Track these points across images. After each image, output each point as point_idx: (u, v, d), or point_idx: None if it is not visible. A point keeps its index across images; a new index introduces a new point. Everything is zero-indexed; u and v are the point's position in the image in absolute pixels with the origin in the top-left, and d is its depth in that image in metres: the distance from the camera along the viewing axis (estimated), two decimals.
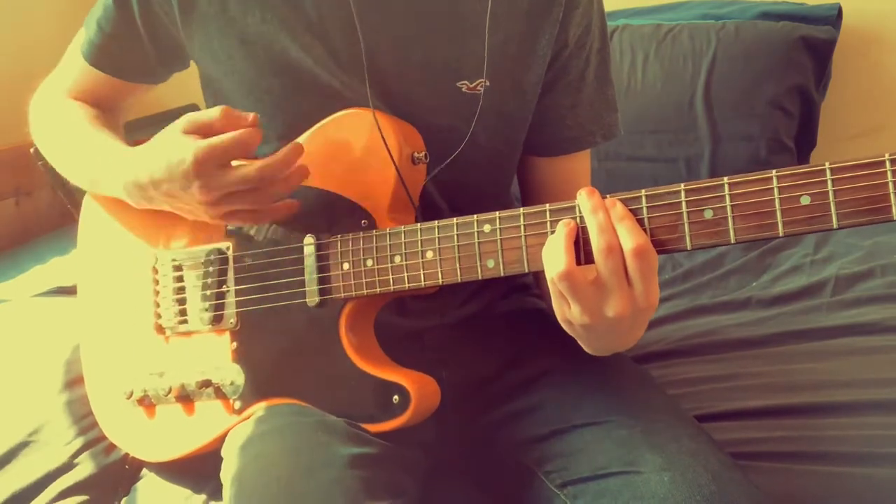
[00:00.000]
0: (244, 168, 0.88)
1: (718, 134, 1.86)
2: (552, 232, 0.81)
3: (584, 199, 0.79)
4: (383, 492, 0.84)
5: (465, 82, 0.97)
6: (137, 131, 1.21)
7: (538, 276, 1.05)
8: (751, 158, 1.84)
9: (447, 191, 1.01)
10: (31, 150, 1.40)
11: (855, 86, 2.02)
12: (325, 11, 0.96)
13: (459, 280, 0.87)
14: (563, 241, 0.78)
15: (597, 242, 0.77)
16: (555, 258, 0.78)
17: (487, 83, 0.97)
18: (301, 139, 0.97)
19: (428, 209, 0.98)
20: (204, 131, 0.89)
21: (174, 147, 0.89)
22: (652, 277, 0.77)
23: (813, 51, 1.89)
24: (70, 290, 1.45)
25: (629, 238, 0.76)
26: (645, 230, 0.78)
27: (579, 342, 0.86)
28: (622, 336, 0.84)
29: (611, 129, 1.06)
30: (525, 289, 1.13)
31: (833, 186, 0.70)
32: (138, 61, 1.07)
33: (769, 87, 1.86)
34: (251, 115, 0.89)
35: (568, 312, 0.80)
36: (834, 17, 1.95)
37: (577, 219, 0.80)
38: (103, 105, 1.14)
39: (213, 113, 0.89)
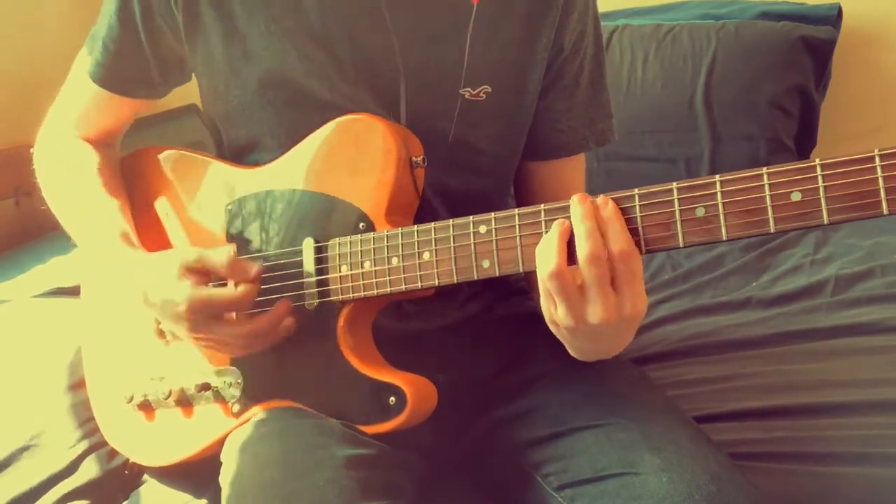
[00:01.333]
0: (234, 328, 0.92)
1: (718, 134, 1.86)
2: (547, 232, 0.81)
3: (576, 205, 0.79)
4: (379, 493, 0.84)
5: (468, 89, 0.98)
6: (138, 131, 1.21)
7: (532, 282, 1.05)
8: (751, 158, 1.84)
9: (447, 196, 1.01)
10: (32, 150, 1.40)
11: (855, 86, 2.02)
12: (328, 20, 0.96)
13: (455, 281, 0.87)
14: (556, 241, 0.79)
15: (582, 249, 0.77)
16: (546, 257, 0.78)
17: (490, 89, 0.98)
18: (302, 144, 0.97)
19: (427, 216, 0.97)
20: (206, 273, 0.92)
21: (173, 287, 0.91)
22: (636, 282, 0.78)
23: (813, 51, 1.89)
24: (70, 291, 1.45)
25: (616, 240, 0.77)
26: (638, 228, 0.78)
27: (565, 346, 0.86)
28: (606, 342, 0.85)
29: (604, 135, 1.07)
30: (523, 292, 1.13)
31: (823, 182, 0.71)
32: (142, 77, 1.07)
33: (769, 87, 1.86)
34: (255, 269, 0.92)
35: (554, 313, 0.80)
36: (834, 17, 1.95)
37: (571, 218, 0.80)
38: (107, 136, 1.14)
39: (219, 260, 0.91)
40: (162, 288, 0.92)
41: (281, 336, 0.93)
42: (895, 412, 1.09)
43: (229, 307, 0.92)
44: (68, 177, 1.09)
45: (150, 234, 1.05)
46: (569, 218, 0.80)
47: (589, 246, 0.77)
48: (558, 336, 0.85)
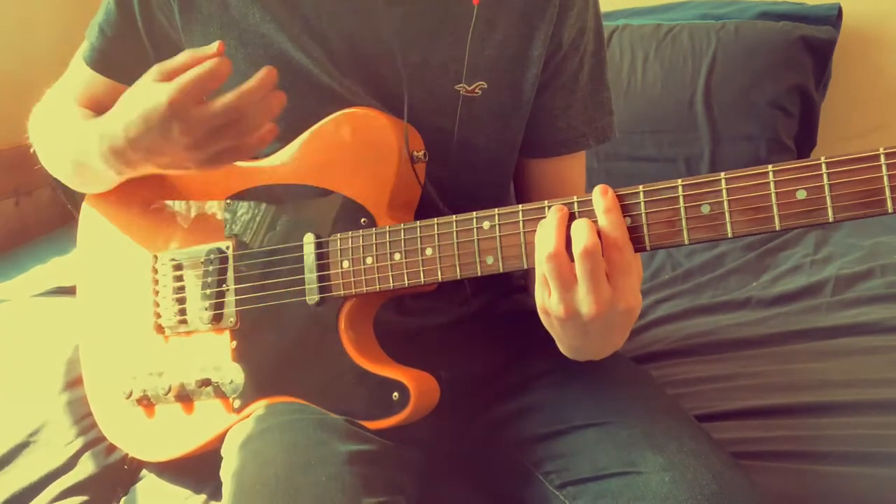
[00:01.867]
0: (221, 98, 0.84)
1: (718, 134, 1.86)
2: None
3: (598, 198, 0.78)
4: (381, 488, 0.84)
5: (464, 85, 0.97)
6: None
7: (530, 280, 1.05)
8: (751, 158, 1.84)
9: (446, 193, 1.01)
10: (32, 150, 1.40)
11: (855, 86, 2.02)
12: (323, 13, 0.96)
13: (458, 277, 0.87)
14: (555, 224, 0.78)
15: (575, 244, 0.76)
16: (545, 240, 0.78)
17: (486, 85, 0.97)
18: (301, 138, 0.97)
19: (427, 211, 0.98)
20: (173, 75, 0.86)
21: (146, 96, 0.86)
22: (629, 275, 0.77)
23: (813, 51, 1.90)
24: (70, 290, 1.45)
25: (613, 231, 0.76)
26: (642, 225, 0.78)
27: (556, 341, 0.85)
28: (597, 340, 0.84)
29: (604, 132, 1.06)
30: (525, 289, 1.13)
31: (829, 180, 0.71)
32: (139, 65, 1.06)
33: (769, 87, 1.86)
34: (216, 44, 0.85)
35: (547, 300, 0.79)
36: (834, 17, 1.95)
37: (574, 205, 0.80)
38: (102, 112, 1.13)
39: (179, 57, 0.86)
40: (138, 106, 0.87)
41: (275, 109, 0.86)
42: (895, 412, 1.09)
43: (204, 77, 0.84)
44: (55, 120, 1.09)
45: (148, 224, 1.05)
46: (570, 205, 0.80)
47: (583, 241, 0.76)
48: (549, 328, 0.84)
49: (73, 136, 1.04)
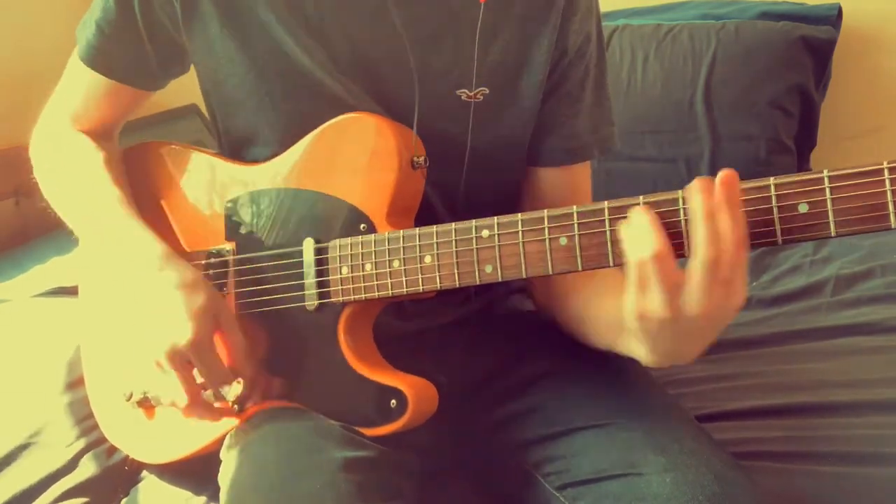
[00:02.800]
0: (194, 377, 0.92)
1: (718, 134, 1.86)
2: (551, 238, 0.80)
3: (697, 197, 0.71)
4: (377, 495, 0.84)
5: (465, 90, 0.97)
6: (138, 131, 1.21)
7: (533, 287, 1.05)
8: (751, 158, 1.84)
9: (448, 198, 1.01)
10: (30, 148, 1.40)
11: (855, 86, 2.02)
12: (326, 16, 0.96)
13: (457, 285, 0.86)
14: (650, 221, 0.72)
15: (705, 251, 0.70)
16: (644, 239, 0.71)
17: (487, 90, 0.97)
18: (302, 142, 0.97)
19: (429, 217, 0.97)
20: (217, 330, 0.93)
21: (183, 317, 0.91)
22: (745, 268, 0.72)
23: (813, 51, 1.89)
24: (70, 290, 1.45)
25: (736, 224, 0.70)
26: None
27: (643, 348, 0.79)
28: (693, 341, 0.77)
29: (606, 142, 1.05)
30: (523, 291, 1.13)
31: (831, 195, 0.70)
32: (138, 64, 1.06)
33: (769, 87, 1.86)
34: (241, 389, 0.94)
35: (647, 303, 0.72)
36: (834, 17, 1.95)
37: (574, 226, 0.79)
38: (105, 128, 1.13)
39: (234, 339, 0.94)
40: (179, 303, 0.92)
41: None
42: (895, 412, 1.09)
43: (212, 377, 0.93)
44: (68, 167, 1.08)
45: (153, 230, 1.05)
46: (631, 206, 0.75)
47: (714, 250, 0.70)
48: (641, 332, 0.76)
49: (93, 207, 1.04)
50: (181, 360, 0.91)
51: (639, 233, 0.72)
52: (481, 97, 0.97)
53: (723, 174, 0.70)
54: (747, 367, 1.25)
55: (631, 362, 1.04)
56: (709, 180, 0.71)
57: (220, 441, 0.97)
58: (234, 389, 0.97)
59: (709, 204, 0.70)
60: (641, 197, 0.76)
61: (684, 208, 0.73)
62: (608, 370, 0.99)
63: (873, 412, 1.10)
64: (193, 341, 0.89)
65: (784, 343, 1.32)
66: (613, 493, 0.84)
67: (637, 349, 0.81)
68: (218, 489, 0.91)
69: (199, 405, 0.94)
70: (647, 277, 0.71)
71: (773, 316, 1.41)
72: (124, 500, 1.05)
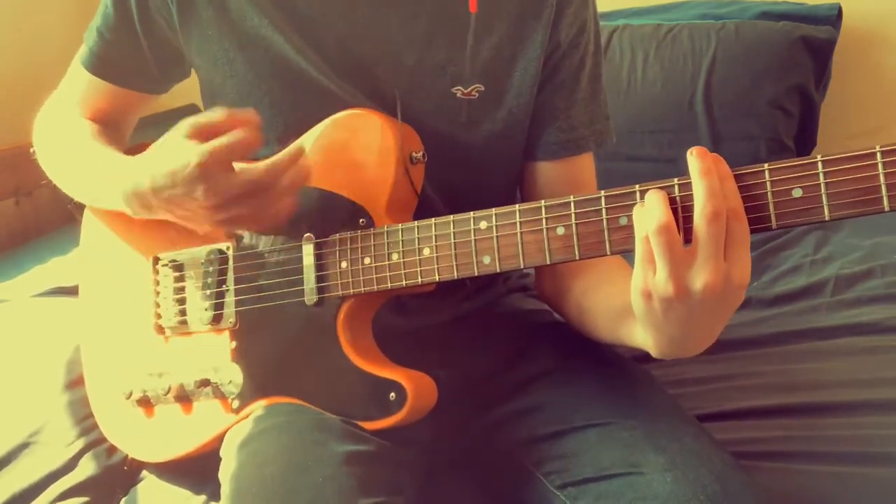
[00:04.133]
0: (250, 170, 0.86)
1: (718, 134, 1.86)
2: (548, 228, 0.80)
3: (695, 161, 0.73)
4: (379, 489, 0.84)
5: (460, 87, 0.97)
6: (138, 131, 1.21)
7: (538, 275, 1.05)
8: (751, 158, 1.83)
9: (446, 194, 1.01)
10: (32, 150, 1.40)
11: (855, 86, 2.02)
12: (319, 16, 0.96)
13: (456, 277, 0.87)
14: (661, 198, 0.73)
15: (706, 205, 0.71)
16: (651, 213, 0.72)
17: (482, 87, 0.97)
18: (301, 139, 0.97)
19: (427, 212, 0.97)
20: (206, 134, 0.87)
21: (177, 152, 0.87)
22: (746, 245, 0.72)
23: (813, 51, 1.89)
24: (70, 290, 1.44)
25: (732, 199, 0.72)
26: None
27: (650, 334, 0.79)
28: (701, 324, 0.76)
29: (602, 135, 1.05)
30: (524, 289, 1.13)
31: (825, 179, 0.71)
32: (138, 69, 1.07)
33: (769, 87, 1.86)
34: (251, 113, 0.87)
35: (651, 280, 0.73)
36: (834, 17, 1.95)
37: (571, 216, 0.79)
38: (107, 120, 1.13)
39: (213, 115, 0.88)
40: (168, 160, 0.87)
41: (297, 187, 0.88)
42: (895, 412, 1.09)
43: (236, 147, 0.85)
44: (68, 137, 1.09)
45: (152, 228, 1.05)
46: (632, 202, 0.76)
47: (714, 203, 0.71)
48: (647, 316, 0.76)
49: (89, 162, 1.04)
50: (213, 163, 0.85)
51: (647, 209, 0.73)
52: (476, 94, 0.98)
53: (713, 156, 0.73)
54: (747, 367, 1.25)
55: (631, 362, 1.05)
56: (711, 159, 0.73)
57: (219, 438, 0.97)
58: (233, 383, 0.97)
59: (706, 162, 0.72)
60: (637, 185, 0.77)
61: (681, 196, 0.75)
62: (609, 369, 0.99)
63: (873, 412, 1.10)
64: (201, 158, 0.84)
65: (784, 343, 1.31)
66: (614, 493, 0.84)
67: (643, 337, 0.81)
68: (218, 488, 0.91)
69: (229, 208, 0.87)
70: (652, 252, 0.72)
71: (773, 316, 1.41)
72: (124, 500, 1.05)
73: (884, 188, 0.69)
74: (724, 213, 0.70)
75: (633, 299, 0.75)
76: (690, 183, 0.73)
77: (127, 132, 1.18)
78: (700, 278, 0.71)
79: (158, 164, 0.89)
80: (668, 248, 0.71)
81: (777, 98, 1.86)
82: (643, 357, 1.28)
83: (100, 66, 1.07)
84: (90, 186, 1.06)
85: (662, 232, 0.71)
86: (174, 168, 0.87)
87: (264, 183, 0.86)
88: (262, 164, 0.86)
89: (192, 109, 2.17)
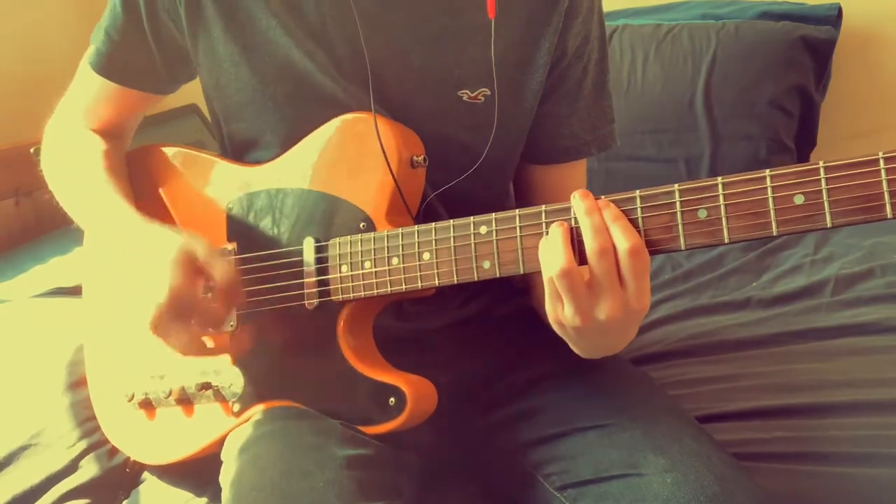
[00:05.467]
0: (187, 332, 0.90)
1: (718, 134, 1.86)
2: (548, 233, 0.81)
3: (578, 202, 0.79)
4: (379, 493, 0.84)
5: (466, 91, 0.97)
6: (138, 131, 1.21)
7: (531, 285, 1.05)
8: (751, 158, 1.84)
9: (445, 198, 1.01)
10: (32, 150, 1.40)
11: (855, 86, 2.02)
12: (327, 19, 0.96)
13: (455, 281, 0.87)
14: (561, 240, 0.78)
15: (591, 244, 0.77)
16: (553, 256, 0.78)
17: (488, 92, 0.97)
18: (303, 142, 0.97)
19: (427, 216, 0.97)
20: (203, 274, 0.90)
21: (169, 266, 0.89)
22: (644, 278, 0.77)
23: (813, 51, 1.89)
24: (70, 291, 1.45)
25: (623, 239, 0.76)
26: (639, 230, 0.78)
27: (570, 344, 0.86)
28: (612, 338, 0.84)
29: (606, 141, 1.06)
30: (524, 292, 1.13)
31: (827, 185, 0.70)
32: (146, 69, 1.07)
33: (769, 87, 1.86)
34: (242, 300, 0.94)
35: (561, 313, 0.80)
36: (834, 17, 1.95)
37: (571, 220, 0.80)
38: (114, 127, 1.13)
39: (222, 275, 0.90)
40: (157, 261, 0.90)
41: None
42: (895, 412, 1.09)
43: (203, 316, 0.90)
44: (73, 160, 1.09)
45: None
46: (568, 220, 0.80)
47: (599, 241, 0.77)
48: (563, 336, 0.84)
49: (94, 211, 1.04)
50: (169, 318, 0.89)
51: (549, 248, 0.79)
52: (482, 98, 0.97)
53: (601, 202, 0.79)
54: (747, 368, 1.25)
55: (630, 364, 1.05)
56: (593, 199, 0.79)
57: (220, 442, 0.97)
58: (234, 386, 0.97)
59: (587, 202, 0.79)
60: (638, 191, 0.78)
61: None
62: (608, 371, 0.99)
63: (873, 412, 1.10)
64: (171, 293, 0.87)
65: (784, 343, 1.32)
66: (614, 494, 0.84)
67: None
68: (219, 490, 0.91)
69: (198, 350, 0.92)
70: (558, 291, 0.78)
71: (773, 316, 1.41)
72: (125, 502, 1.06)
73: (886, 195, 0.68)
74: (610, 249, 0.77)
75: (551, 325, 0.83)
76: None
77: (131, 134, 1.18)
78: (602, 311, 0.78)
79: (152, 255, 0.91)
80: (571, 290, 0.78)
81: (777, 98, 1.85)
82: (642, 358, 1.29)
83: (108, 66, 1.07)
84: (92, 223, 1.06)
85: (564, 276, 0.77)
86: (157, 272, 0.89)
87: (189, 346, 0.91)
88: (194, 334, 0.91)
89: (192, 109, 2.18)
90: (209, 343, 0.94)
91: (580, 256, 0.79)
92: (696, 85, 1.88)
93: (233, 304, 0.93)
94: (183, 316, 0.89)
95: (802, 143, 1.93)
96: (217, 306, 0.90)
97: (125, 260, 0.96)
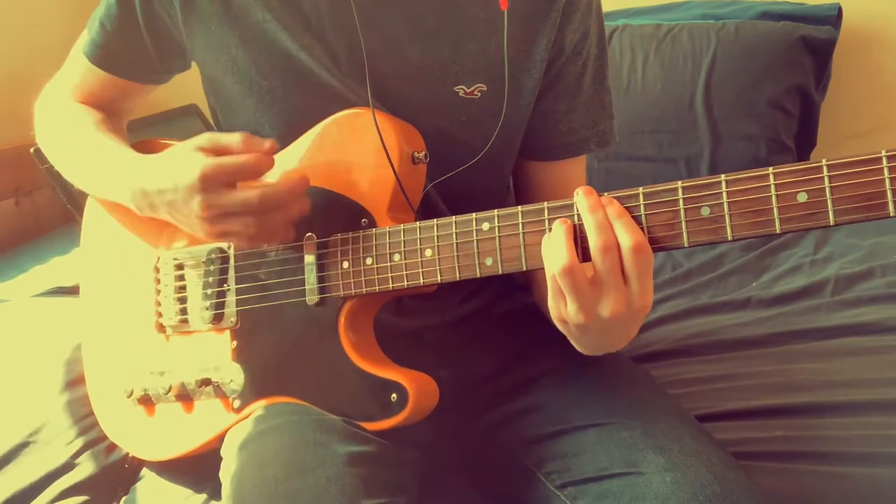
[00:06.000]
0: (247, 192, 0.88)
1: (718, 134, 1.86)
2: (550, 230, 0.80)
3: (582, 198, 0.79)
4: (381, 489, 0.84)
5: (463, 86, 0.97)
6: (138, 131, 1.21)
7: (533, 281, 1.05)
8: (751, 158, 1.84)
9: (445, 193, 1.01)
10: (32, 150, 1.40)
11: (855, 86, 2.02)
12: (323, 13, 0.96)
13: (458, 278, 0.87)
14: (564, 238, 0.78)
15: (595, 240, 0.77)
16: (556, 254, 0.78)
17: (485, 87, 0.97)
18: (302, 138, 0.97)
19: (428, 211, 0.98)
20: (220, 152, 0.90)
21: (185, 161, 0.90)
22: (648, 275, 0.77)
23: (813, 51, 1.89)
24: (70, 290, 1.45)
25: (626, 235, 0.76)
26: (642, 228, 0.78)
27: (571, 341, 0.85)
28: (614, 336, 0.84)
29: (605, 137, 1.06)
30: (525, 288, 1.13)
31: (830, 183, 0.70)
32: (140, 61, 1.07)
33: (769, 87, 1.86)
34: (268, 143, 0.90)
35: (564, 310, 0.79)
36: (834, 17, 1.95)
37: (574, 217, 0.80)
38: (107, 107, 1.13)
39: (232, 137, 0.90)
40: (174, 166, 0.90)
41: (294, 215, 0.91)
42: (895, 412, 1.09)
43: (243, 169, 0.88)
44: (70, 122, 1.10)
45: (151, 225, 1.05)
46: (571, 216, 0.80)
47: (603, 237, 0.76)
48: (566, 333, 0.84)
49: (97, 155, 1.04)
50: (216, 193, 0.88)
51: (553, 246, 0.79)
52: (479, 94, 0.98)
53: (604, 199, 0.79)
54: (747, 367, 1.25)
55: (631, 362, 1.05)
56: (596, 196, 0.79)
57: (220, 438, 0.97)
58: (234, 382, 0.97)
59: (591, 200, 0.78)
60: (641, 188, 0.78)
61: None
62: (609, 369, 0.99)
63: (873, 412, 1.10)
64: (203, 171, 0.87)
65: (784, 343, 1.32)
66: (614, 492, 0.84)
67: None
68: (218, 486, 0.91)
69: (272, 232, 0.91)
70: (561, 288, 0.78)
71: (773, 316, 1.41)
72: (124, 498, 1.05)
73: (889, 193, 0.68)
74: (614, 246, 0.77)
75: (554, 322, 0.83)
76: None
77: (125, 118, 1.18)
78: (606, 308, 0.77)
79: (165, 169, 0.92)
80: (574, 287, 0.77)
81: (777, 98, 1.86)
82: (643, 357, 1.29)
83: (102, 56, 1.08)
84: (97, 179, 1.06)
85: (566, 274, 0.77)
86: (178, 174, 0.89)
87: (259, 207, 0.88)
88: (260, 189, 0.88)
89: (192, 109, 2.18)
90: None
91: (583, 253, 0.79)
92: (696, 85, 1.88)
93: (262, 150, 0.89)
94: (228, 183, 0.88)
95: (802, 143, 1.93)
96: (250, 156, 0.88)
97: (141, 193, 0.96)
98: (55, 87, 1.15)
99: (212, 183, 0.88)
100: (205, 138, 0.91)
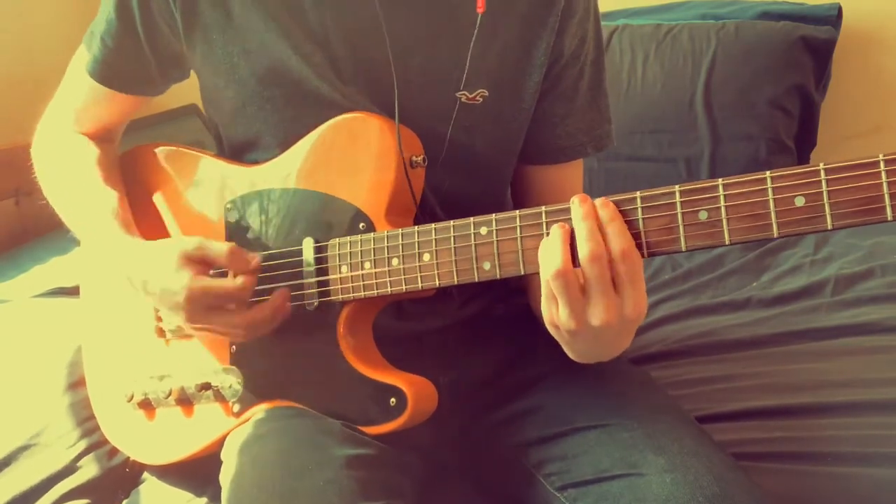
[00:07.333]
0: (233, 317, 0.92)
1: (718, 134, 1.86)
2: (548, 234, 0.80)
3: (576, 206, 0.79)
4: (380, 492, 0.84)
5: (465, 92, 0.97)
6: (138, 131, 1.21)
7: (528, 286, 1.05)
8: (751, 158, 1.84)
9: (444, 199, 1.01)
10: (32, 150, 1.40)
11: (855, 86, 2.02)
12: (326, 20, 0.96)
13: (456, 282, 0.87)
14: (559, 241, 0.78)
15: (583, 249, 0.77)
16: (550, 257, 0.78)
17: (486, 92, 0.97)
18: (301, 142, 0.97)
19: (426, 216, 0.97)
20: (207, 263, 0.93)
21: (172, 272, 0.92)
22: (639, 283, 0.77)
23: (813, 51, 1.89)
24: (70, 291, 1.44)
25: (616, 241, 0.76)
26: (639, 232, 0.78)
27: (564, 347, 0.85)
28: (605, 345, 0.84)
29: (602, 141, 1.06)
30: (523, 291, 1.13)
31: (827, 187, 0.70)
32: (141, 74, 1.07)
33: (769, 87, 1.86)
34: (255, 261, 0.93)
35: (556, 315, 0.79)
36: (834, 17, 1.95)
37: (571, 221, 0.80)
38: (105, 135, 1.14)
39: (220, 250, 0.92)
40: (161, 276, 0.93)
41: (279, 321, 0.94)
42: (895, 412, 1.09)
43: (228, 298, 0.91)
44: (67, 169, 1.09)
45: (149, 232, 1.05)
46: (569, 220, 0.80)
47: (590, 245, 0.76)
48: (558, 339, 0.84)
49: (92, 218, 1.04)
50: (202, 313, 0.92)
51: (548, 249, 0.79)
52: (480, 99, 0.98)
53: (600, 201, 0.79)
54: (747, 368, 1.25)
55: (631, 364, 1.05)
56: (590, 203, 0.79)
57: (220, 442, 0.97)
58: (234, 386, 0.97)
59: (584, 208, 0.78)
60: (638, 192, 0.78)
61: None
62: (608, 371, 0.99)
63: (873, 412, 1.10)
64: (188, 291, 0.91)
65: (784, 343, 1.32)
66: (614, 494, 0.84)
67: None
68: (219, 490, 0.91)
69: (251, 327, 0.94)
70: (554, 291, 0.78)
71: (773, 316, 1.41)
72: (125, 502, 1.06)
73: (887, 197, 0.68)
74: (603, 255, 0.76)
75: (546, 326, 0.82)
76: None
77: (119, 136, 1.18)
78: (596, 316, 0.77)
79: (153, 270, 0.94)
80: (566, 291, 0.77)
81: (777, 98, 1.86)
82: (643, 358, 1.29)
83: (104, 72, 1.07)
84: (87, 240, 1.07)
85: (559, 277, 0.77)
86: (165, 282, 0.92)
87: (245, 330, 0.93)
88: (244, 316, 0.92)
89: (192, 109, 2.18)
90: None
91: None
92: (696, 85, 1.88)
93: (247, 269, 0.93)
94: (212, 306, 0.92)
95: (802, 143, 1.93)
96: (236, 283, 0.92)
97: (128, 280, 0.98)
98: (54, 114, 1.14)
99: (197, 305, 0.91)
100: (192, 244, 0.93)
